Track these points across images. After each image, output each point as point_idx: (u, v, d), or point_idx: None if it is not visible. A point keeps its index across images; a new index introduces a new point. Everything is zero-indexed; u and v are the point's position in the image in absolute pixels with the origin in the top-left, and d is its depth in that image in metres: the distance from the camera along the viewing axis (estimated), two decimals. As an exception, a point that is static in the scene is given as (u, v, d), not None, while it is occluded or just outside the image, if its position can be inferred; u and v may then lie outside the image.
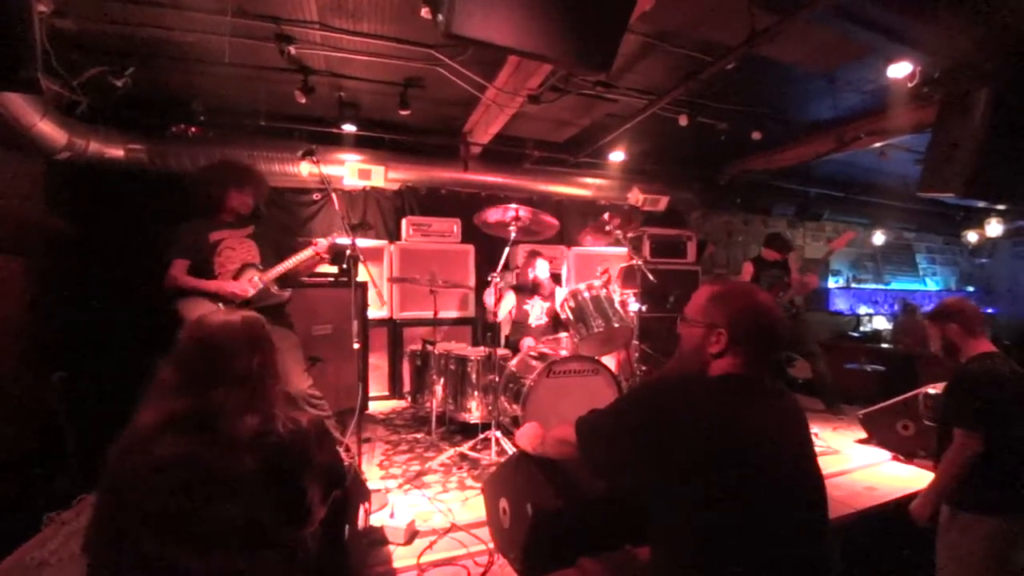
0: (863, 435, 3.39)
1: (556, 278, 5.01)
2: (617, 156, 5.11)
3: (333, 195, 2.70)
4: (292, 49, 3.16)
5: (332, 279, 3.86)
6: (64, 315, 3.66)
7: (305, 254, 2.77)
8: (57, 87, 3.32)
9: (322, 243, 2.80)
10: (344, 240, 2.63)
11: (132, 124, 3.90)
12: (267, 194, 3.02)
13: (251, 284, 2.68)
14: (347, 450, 2.57)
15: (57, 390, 2.99)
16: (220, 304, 2.65)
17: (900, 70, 3.25)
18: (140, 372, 1.23)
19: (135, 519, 1.03)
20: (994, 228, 7.07)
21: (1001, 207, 5.06)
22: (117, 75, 3.35)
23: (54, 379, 3.04)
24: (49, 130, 3.33)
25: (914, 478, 2.77)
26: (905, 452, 3.08)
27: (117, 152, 3.84)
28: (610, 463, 1.32)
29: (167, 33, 3.11)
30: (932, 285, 8.53)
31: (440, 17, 1.82)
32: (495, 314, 3.22)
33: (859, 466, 2.99)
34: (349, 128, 4.33)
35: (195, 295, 2.64)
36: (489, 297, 3.57)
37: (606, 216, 3.48)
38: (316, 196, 4.71)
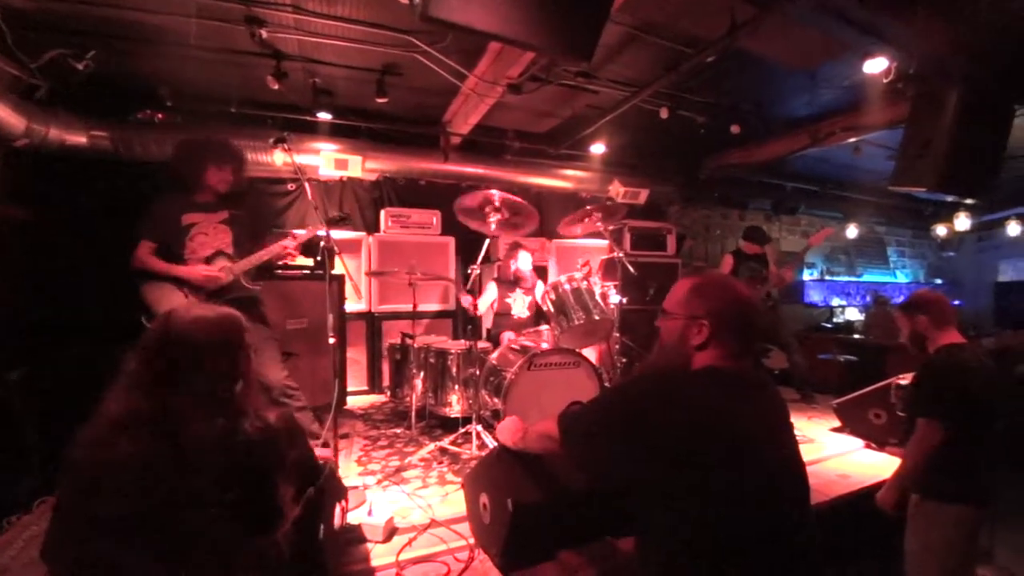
0: (837, 424, 3.47)
1: (541, 271, 4.99)
2: (598, 149, 5.10)
3: (307, 185, 2.60)
4: (263, 32, 3.05)
5: (307, 272, 3.77)
6: (24, 308, 3.50)
7: (280, 244, 2.67)
8: (14, 70, 3.14)
9: (300, 234, 2.69)
10: (323, 232, 2.56)
11: (95, 110, 3.72)
12: (247, 172, 2.85)
13: (223, 272, 2.59)
14: (325, 445, 2.52)
15: (16, 388, 2.85)
16: (186, 291, 2.54)
17: (876, 65, 3.29)
18: (103, 367, 1.17)
19: (95, 519, 0.98)
20: (963, 222, 7.28)
21: (969, 201, 5.21)
22: (78, 58, 3.19)
23: (13, 376, 2.90)
24: (5, 115, 3.16)
25: (886, 465, 2.84)
26: (877, 440, 3.15)
27: (79, 139, 3.67)
28: (594, 459, 1.30)
29: (130, 13, 2.96)
30: (902, 278, 8.77)
31: None
32: (476, 307, 3.18)
33: (833, 454, 3.06)
34: (324, 116, 4.22)
35: (161, 280, 2.53)
36: (465, 299, 3.54)
37: (588, 208, 3.46)
38: (290, 187, 4.58)
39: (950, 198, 3.86)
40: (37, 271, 3.62)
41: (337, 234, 2.53)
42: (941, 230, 8.12)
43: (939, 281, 8.93)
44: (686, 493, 1.08)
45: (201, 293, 2.56)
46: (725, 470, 1.08)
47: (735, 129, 4.46)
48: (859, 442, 3.22)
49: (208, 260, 2.60)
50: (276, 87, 3.50)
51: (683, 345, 1.26)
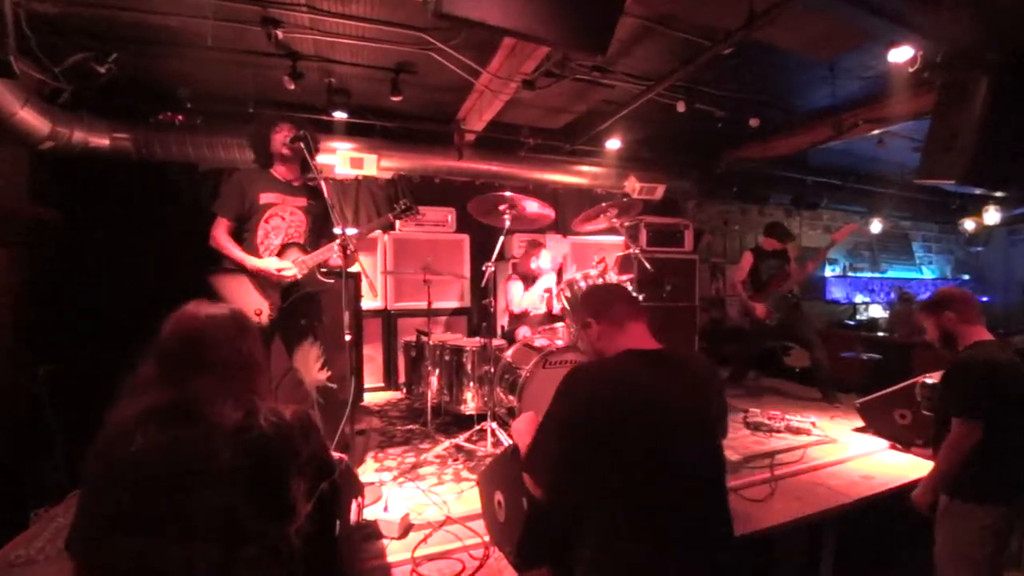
0: (860, 423, 3.38)
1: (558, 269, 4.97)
2: (613, 144, 5.05)
3: (323, 184, 2.60)
4: (279, 33, 3.07)
5: (324, 270, 3.81)
6: (51, 307, 3.59)
7: (334, 245, 2.48)
8: (39, 74, 3.22)
9: (350, 232, 2.52)
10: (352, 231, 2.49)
11: (117, 112, 3.80)
12: (315, 142, 2.57)
13: (297, 265, 2.48)
14: (346, 448, 2.52)
15: (43, 384, 2.94)
16: (259, 283, 2.44)
17: (901, 55, 3.19)
18: (128, 365, 1.20)
19: (115, 513, 1.01)
20: (992, 216, 7.05)
21: (999, 194, 5.04)
22: (100, 61, 3.25)
23: (40, 373, 2.98)
24: (31, 119, 3.25)
25: (911, 466, 2.76)
26: (902, 440, 3.07)
27: (102, 141, 3.76)
28: (562, 465, 1.33)
29: (149, 16, 3.01)
30: (928, 273, 8.54)
31: (430, -4, 1.76)
32: (507, 304, 3.17)
33: (856, 455, 2.98)
34: (340, 115, 4.25)
35: (235, 270, 2.42)
36: (515, 295, 3.53)
37: (604, 204, 3.43)
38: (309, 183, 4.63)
39: (979, 191, 3.74)
40: (64, 271, 3.72)
41: (351, 231, 2.50)
42: (969, 224, 7.86)
43: (966, 277, 8.67)
44: (607, 463, 1.24)
45: (276, 288, 2.47)
46: (635, 436, 1.24)
47: (754, 122, 4.37)
48: (883, 443, 3.14)
49: (281, 251, 2.49)
50: (292, 87, 3.53)
51: (594, 346, 1.53)
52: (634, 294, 3.07)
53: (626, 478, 1.24)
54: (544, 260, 3.96)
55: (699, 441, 1.33)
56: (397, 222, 4.72)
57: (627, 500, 1.23)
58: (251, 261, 2.42)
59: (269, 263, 2.44)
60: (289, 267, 2.47)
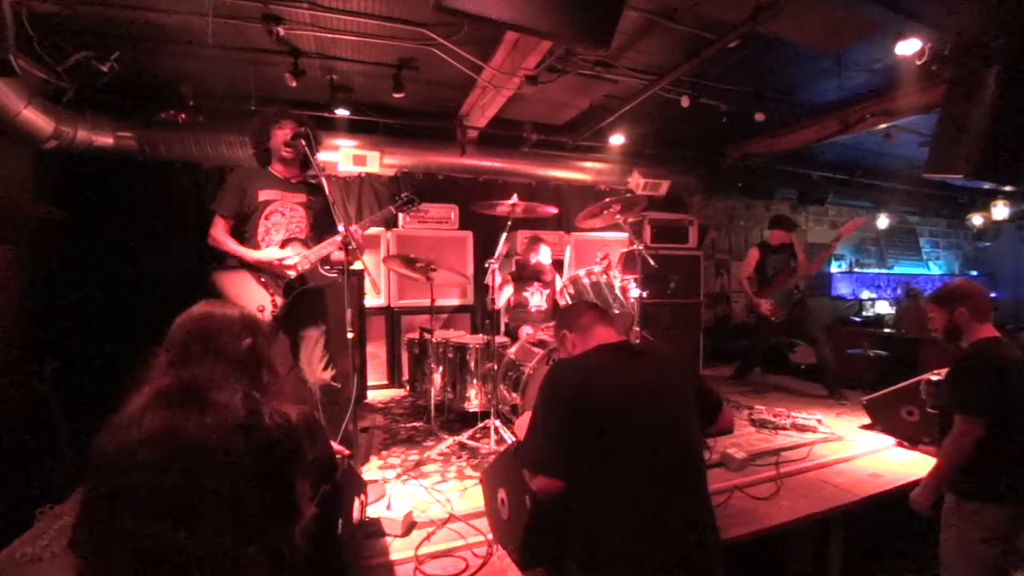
0: (867, 421, 3.35)
1: (558, 264, 4.95)
2: (617, 140, 5.02)
3: (324, 181, 2.57)
4: (280, 30, 3.06)
5: (327, 265, 3.81)
6: (56, 304, 3.61)
7: (337, 238, 2.43)
8: (42, 73, 3.23)
9: (355, 228, 2.46)
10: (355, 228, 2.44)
11: (121, 111, 3.81)
12: (317, 144, 2.48)
13: (298, 259, 2.45)
14: (349, 445, 2.50)
15: (49, 381, 2.94)
16: (264, 279, 2.42)
17: (909, 47, 3.15)
18: (134, 361, 1.21)
19: (120, 499, 0.99)
20: (1001, 211, 6.96)
21: (1008, 189, 4.98)
22: (102, 60, 3.25)
23: (46, 370, 2.99)
24: (35, 118, 3.26)
25: (919, 464, 2.73)
26: (910, 438, 3.04)
27: (106, 140, 3.76)
28: (556, 447, 1.42)
29: (149, 14, 3.00)
30: (935, 269, 8.46)
31: (431, -10, 1.74)
32: (494, 301, 3.16)
33: (863, 452, 2.95)
34: (342, 112, 4.23)
35: (236, 267, 2.40)
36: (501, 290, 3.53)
37: (607, 201, 3.41)
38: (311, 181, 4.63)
39: (988, 185, 3.69)
40: (69, 269, 3.73)
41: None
42: (977, 219, 7.77)
43: (975, 272, 8.59)
44: (589, 443, 1.37)
45: (280, 282, 2.44)
46: (608, 416, 1.39)
47: (759, 117, 4.33)
48: (890, 440, 3.11)
49: (282, 247, 2.47)
50: (294, 84, 3.52)
51: (569, 353, 1.72)
52: (603, 305, 3.08)
53: (604, 447, 1.37)
54: (543, 255, 3.96)
55: (670, 413, 1.45)
56: (400, 216, 4.78)
57: (607, 471, 1.36)
58: (251, 254, 2.41)
59: (269, 252, 2.43)
60: (290, 256, 2.45)
